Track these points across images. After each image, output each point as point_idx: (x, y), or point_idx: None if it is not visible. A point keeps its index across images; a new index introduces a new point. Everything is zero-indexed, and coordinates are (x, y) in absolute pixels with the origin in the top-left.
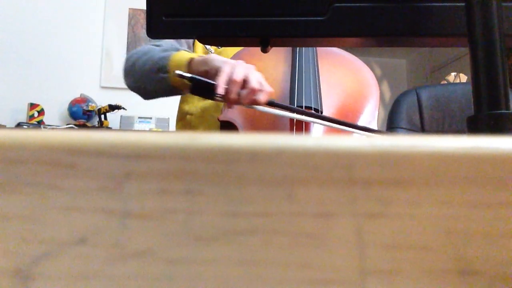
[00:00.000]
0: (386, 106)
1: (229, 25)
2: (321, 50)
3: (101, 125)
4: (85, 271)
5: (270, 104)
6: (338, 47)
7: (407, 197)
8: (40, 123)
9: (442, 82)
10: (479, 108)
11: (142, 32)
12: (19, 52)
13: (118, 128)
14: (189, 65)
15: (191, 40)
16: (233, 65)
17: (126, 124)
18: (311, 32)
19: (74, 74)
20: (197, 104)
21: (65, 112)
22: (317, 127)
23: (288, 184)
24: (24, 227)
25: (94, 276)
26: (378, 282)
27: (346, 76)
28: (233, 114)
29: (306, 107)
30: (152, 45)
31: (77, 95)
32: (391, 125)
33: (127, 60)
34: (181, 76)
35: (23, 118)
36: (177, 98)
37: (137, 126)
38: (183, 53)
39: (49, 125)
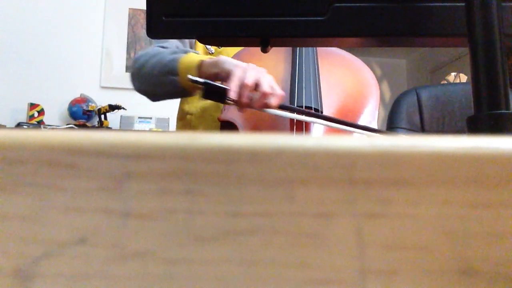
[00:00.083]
0: (386, 106)
1: (229, 25)
2: (321, 50)
3: (101, 125)
4: (85, 271)
5: (282, 107)
6: (338, 47)
7: (407, 197)
8: (40, 123)
9: (442, 82)
10: (479, 108)
11: (142, 32)
12: (19, 52)
13: (118, 128)
14: (199, 67)
15: (193, 40)
16: (244, 68)
17: (126, 124)
18: (311, 32)
19: (74, 74)
20: (197, 104)
21: (65, 112)
22: (317, 127)
23: (288, 184)
24: (24, 227)
25: (94, 276)
26: (378, 282)
27: (346, 76)
28: (233, 114)
29: (306, 107)
30: (158, 46)
31: (77, 95)
32: (391, 125)
33: (134, 62)
34: (193, 81)
35: (23, 118)
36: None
37: (137, 126)
38: (192, 55)
39: (49, 125)
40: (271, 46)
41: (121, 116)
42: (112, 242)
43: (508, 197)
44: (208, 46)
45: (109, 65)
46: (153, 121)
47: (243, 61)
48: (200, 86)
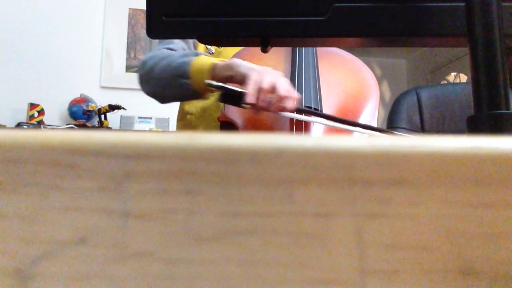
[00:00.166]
0: (386, 106)
1: (229, 25)
2: (321, 50)
3: (101, 125)
4: (85, 271)
5: (298, 110)
6: (338, 47)
7: (407, 197)
8: (40, 123)
9: (442, 82)
10: (479, 108)
11: (142, 32)
12: (19, 52)
13: (118, 128)
14: (212, 70)
15: (196, 40)
16: (261, 72)
17: (126, 124)
18: (311, 32)
19: (74, 74)
20: (197, 104)
21: (65, 112)
22: (317, 127)
23: (288, 184)
24: (24, 227)
25: (94, 276)
26: (378, 282)
27: (346, 76)
28: (233, 114)
29: (306, 106)
30: (165, 48)
31: (77, 95)
32: (391, 125)
33: (142, 65)
34: (210, 85)
35: (23, 118)
36: None
37: (137, 126)
38: (203, 57)
39: (49, 125)
40: (271, 46)
41: (121, 116)
42: (112, 242)
43: (508, 197)
44: (209, 46)
45: (109, 65)
46: (153, 121)
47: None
48: (214, 89)
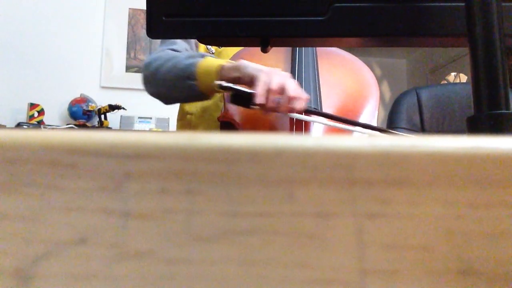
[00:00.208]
0: (386, 106)
1: (229, 25)
2: (321, 50)
3: (101, 125)
4: (85, 271)
5: (307, 111)
6: (338, 47)
7: (407, 197)
8: (40, 123)
9: (442, 82)
10: (479, 108)
11: (142, 32)
12: (19, 52)
13: (118, 128)
14: (219, 71)
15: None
16: (269, 73)
17: (126, 124)
18: (311, 32)
19: (74, 74)
20: (197, 104)
21: (65, 112)
22: (317, 127)
23: (288, 184)
24: (24, 227)
25: (94, 276)
26: (378, 282)
27: (346, 76)
28: (233, 114)
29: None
30: (169, 49)
31: (77, 95)
32: (391, 125)
33: (147, 66)
34: (221, 86)
35: (23, 118)
36: None
37: (137, 126)
38: (209, 59)
39: (49, 125)
40: (271, 46)
41: (121, 116)
42: (112, 242)
43: (508, 197)
44: (209, 46)
45: (109, 65)
46: (153, 121)
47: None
48: (221, 90)
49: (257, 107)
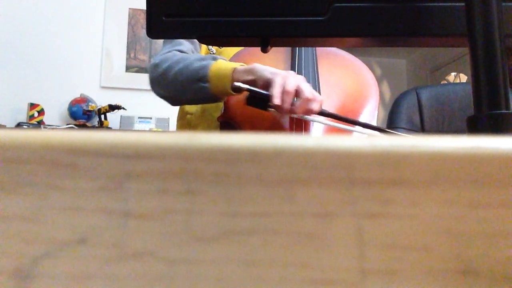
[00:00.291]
0: (386, 106)
1: (229, 25)
2: (320, 51)
3: (101, 125)
4: (85, 271)
5: (322, 114)
6: (338, 47)
7: (407, 197)
8: (40, 123)
9: (442, 82)
10: (479, 108)
11: (142, 32)
12: (19, 52)
13: (118, 128)
14: (232, 74)
15: None
16: (284, 76)
17: (126, 124)
18: (311, 32)
19: (74, 74)
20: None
21: (65, 112)
22: (318, 127)
23: (288, 184)
24: (24, 227)
25: (94, 276)
26: (378, 282)
27: (346, 77)
28: (233, 114)
29: None
30: (176, 50)
31: (77, 95)
32: (391, 125)
33: (154, 68)
34: (239, 88)
35: (23, 118)
36: None
37: (137, 126)
38: (222, 62)
39: (49, 125)
40: (271, 46)
41: (121, 116)
42: (112, 242)
43: (508, 197)
44: (209, 46)
45: (109, 65)
46: (153, 121)
47: (243, 61)
48: (233, 93)
49: (272, 109)
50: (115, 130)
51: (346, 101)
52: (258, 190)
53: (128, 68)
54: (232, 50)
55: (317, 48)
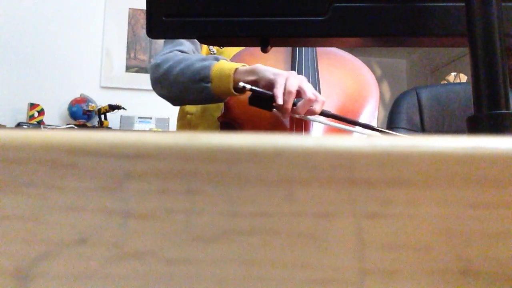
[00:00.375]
0: (386, 106)
1: (229, 25)
2: (320, 51)
3: (101, 125)
4: (85, 271)
5: (324, 114)
6: (338, 47)
7: (407, 197)
8: (40, 123)
9: (442, 82)
10: (479, 108)
11: (142, 32)
12: (19, 52)
13: (118, 128)
14: (234, 75)
15: None
16: (286, 76)
17: (126, 124)
18: (311, 32)
19: (74, 74)
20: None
21: (65, 112)
22: (318, 127)
23: (288, 184)
24: (24, 227)
25: (94, 276)
26: (378, 282)
27: (346, 77)
28: (233, 114)
29: None
30: (177, 50)
31: (77, 95)
32: (391, 125)
33: (156, 68)
34: (243, 87)
35: (23, 118)
36: None
37: (137, 126)
38: (224, 62)
39: (49, 125)
40: (271, 46)
41: (121, 116)
42: (112, 242)
43: (508, 197)
44: (210, 46)
45: (109, 65)
46: (153, 121)
47: (243, 61)
48: (235, 93)
49: (276, 109)
50: (115, 130)
51: (346, 101)
52: (258, 190)
53: (128, 68)
54: (233, 50)
55: (317, 48)
